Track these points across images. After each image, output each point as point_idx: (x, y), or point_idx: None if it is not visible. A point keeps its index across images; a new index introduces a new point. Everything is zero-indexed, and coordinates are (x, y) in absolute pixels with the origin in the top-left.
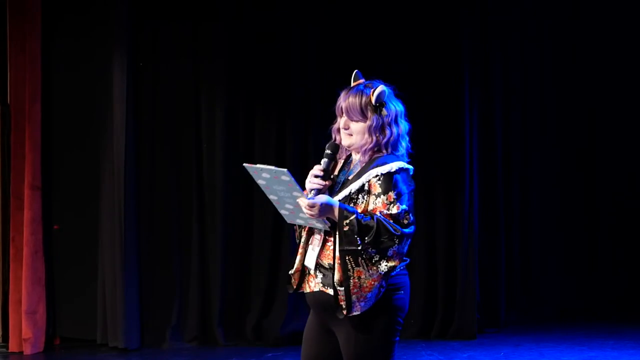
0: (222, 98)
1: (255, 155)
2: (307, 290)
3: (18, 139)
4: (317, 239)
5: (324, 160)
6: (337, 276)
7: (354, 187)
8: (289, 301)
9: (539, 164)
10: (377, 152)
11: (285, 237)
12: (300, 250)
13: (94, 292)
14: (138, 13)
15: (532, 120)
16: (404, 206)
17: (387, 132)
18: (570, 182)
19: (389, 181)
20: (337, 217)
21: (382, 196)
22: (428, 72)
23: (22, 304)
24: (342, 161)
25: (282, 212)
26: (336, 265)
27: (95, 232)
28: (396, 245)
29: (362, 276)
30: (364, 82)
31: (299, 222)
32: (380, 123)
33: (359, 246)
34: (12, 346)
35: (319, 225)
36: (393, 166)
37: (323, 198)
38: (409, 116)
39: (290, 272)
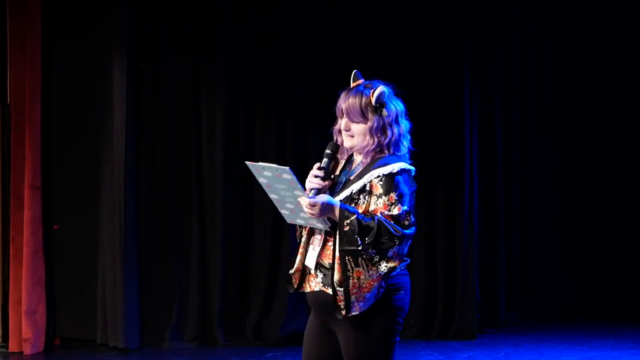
0: (222, 98)
1: (255, 155)
2: (308, 289)
3: (18, 139)
4: (317, 239)
5: (324, 160)
6: (336, 276)
7: (355, 187)
8: (289, 301)
9: (539, 164)
10: (379, 153)
11: (285, 237)
12: (301, 250)
13: (94, 292)
14: (138, 13)
15: (532, 120)
16: (405, 207)
17: (389, 132)
18: (570, 182)
19: (390, 182)
20: (337, 217)
21: (383, 197)
22: (428, 72)
23: (22, 304)
24: (344, 161)
25: (283, 211)
26: (336, 265)
27: (95, 232)
28: (397, 246)
29: (362, 277)
30: (363, 82)
31: (300, 221)
32: (381, 124)
33: (359, 246)
34: (12, 346)
35: (319, 225)
36: (395, 167)
37: (324, 198)
38: (409, 116)
39: (290, 272)
